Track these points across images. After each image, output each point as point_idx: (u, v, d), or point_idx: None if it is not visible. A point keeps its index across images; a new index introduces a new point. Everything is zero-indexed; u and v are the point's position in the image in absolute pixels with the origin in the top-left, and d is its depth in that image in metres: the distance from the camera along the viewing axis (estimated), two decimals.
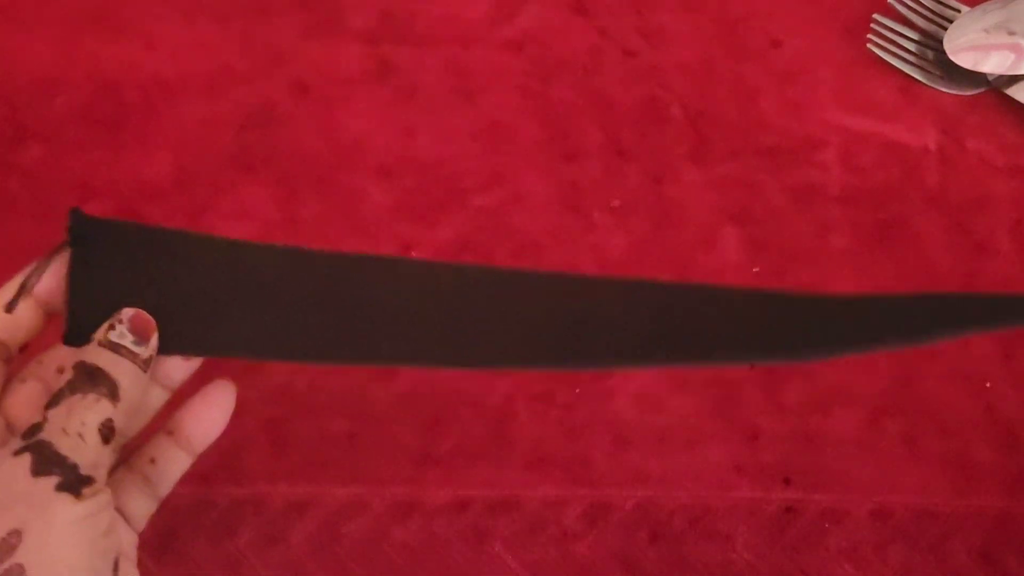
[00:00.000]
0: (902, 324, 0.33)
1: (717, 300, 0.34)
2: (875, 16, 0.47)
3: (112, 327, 0.29)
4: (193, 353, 0.31)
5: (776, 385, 0.41)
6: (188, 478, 0.39)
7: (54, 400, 0.28)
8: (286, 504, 0.39)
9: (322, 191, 0.44)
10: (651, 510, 0.39)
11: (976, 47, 0.45)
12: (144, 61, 0.46)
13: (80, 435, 0.27)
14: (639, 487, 0.40)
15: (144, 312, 0.29)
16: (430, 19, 0.47)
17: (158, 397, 0.32)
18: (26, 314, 0.30)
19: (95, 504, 0.27)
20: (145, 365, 0.29)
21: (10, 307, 0.30)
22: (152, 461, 0.31)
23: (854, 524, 0.40)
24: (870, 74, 0.47)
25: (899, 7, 0.47)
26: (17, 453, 0.26)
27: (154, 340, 0.30)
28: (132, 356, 0.29)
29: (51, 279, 0.30)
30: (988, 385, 0.42)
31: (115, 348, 0.29)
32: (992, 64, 0.45)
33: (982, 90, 0.46)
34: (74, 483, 0.26)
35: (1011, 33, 0.45)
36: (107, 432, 0.28)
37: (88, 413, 0.27)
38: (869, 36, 0.47)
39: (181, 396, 0.32)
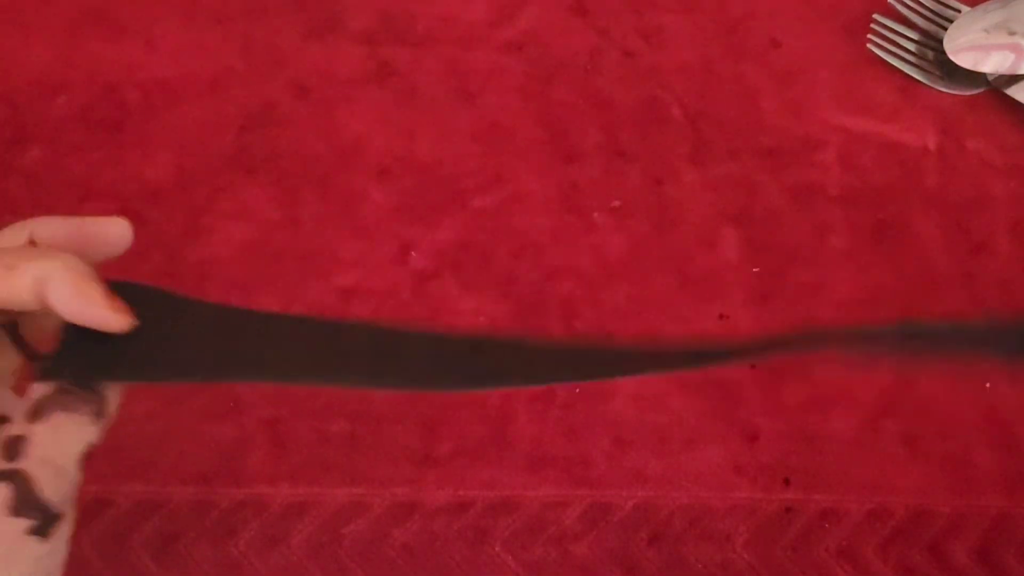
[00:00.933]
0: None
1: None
2: (875, 16, 0.47)
3: None
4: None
5: (776, 386, 0.41)
6: (189, 479, 0.39)
7: (41, 411, 0.26)
8: (286, 505, 0.39)
9: (322, 192, 0.44)
10: (651, 510, 0.40)
11: (976, 47, 0.45)
12: (144, 63, 0.46)
13: (63, 469, 0.26)
14: (639, 487, 0.40)
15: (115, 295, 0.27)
16: (430, 20, 0.47)
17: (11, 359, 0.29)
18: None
19: (59, 540, 0.26)
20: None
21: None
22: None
23: (853, 524, 0.40)
24: (870, 74, 0.47)
25: (899, 7, 0.47)
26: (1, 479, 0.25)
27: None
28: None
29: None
30: (988, 386, 0.42)
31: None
32: (992, 64, 0.45)
33: (982, 90, 0.46)
34: (45, 526, 0.26)
35: (1011, 33, 0.45)
36: (86, 458, 0.27)
37: (74, 439, 0.26)
38: (869, 36, 0.47)
39: None
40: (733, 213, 0.44)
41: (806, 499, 0.40)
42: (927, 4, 0.47)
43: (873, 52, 0.47)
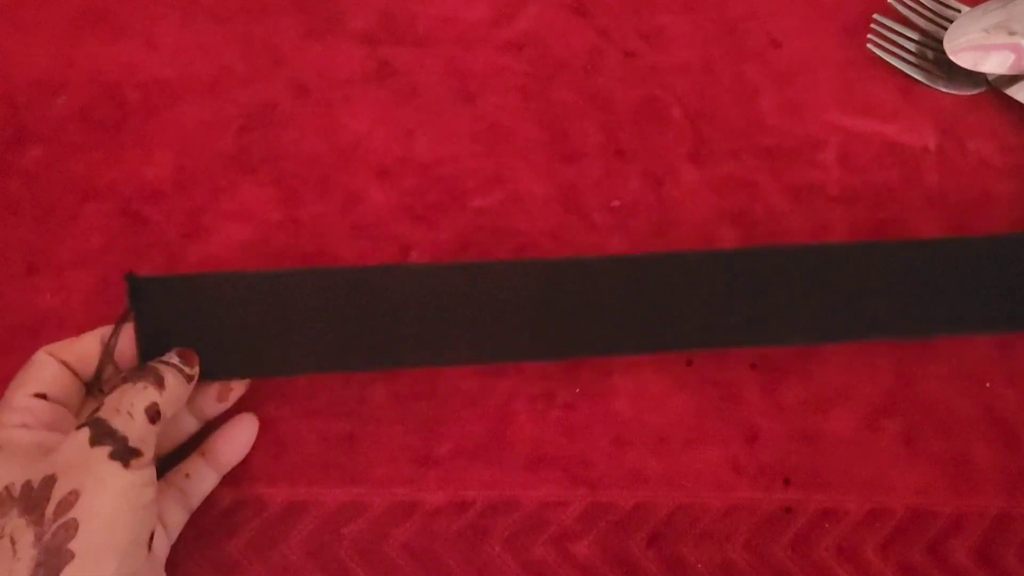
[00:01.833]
0: None
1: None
2: (875, 16, 0.47)
3: (163, 356, 0.36)
4: (233, 377, 0.38)
5: (775, 385, 0.41)
6: None
7: (111, 389, 0.34)
8: (286, 505, 0.39)
9: (322, 192, 0.44)
10: (650, 510, 0.40)
11: (976, 47, 0.45)
12: (144, 62, 0.46)
13: (130, 413, 0.33)
14: (638, 487, 0.40)
15: (188, 350, 0.37)
16: (430, 20, 0.47)
17: (191, 425, 0.38)
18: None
19: (141, 477, 0.32)
20: (188, 378, 0.36)
21: (101, 367, 0.37)
22: (187, 476, 0.37)
23: (853, 524, 0.40)
24: (870, 74, 0.47)
25: (899, 7, 0.47)
26: (80, 427, 0.32)
27: (196, 367, 0.36)
28: (178, 368, 0.36)
29: (125, 341, 0.37)
30: (987, 385, 0.42)
31: (164, 362, 0.36)
32: (992, 64, 0.45)
33: (982, 90, 0.46)
34: (124, 453, 0.32)
35: (1011, 33, 0.45)
36: (153, 414, 0.33)
37: (137, 397, 0.33)
38: (869, 36, 0.47)
39: (211, 424, 0.39)
40: (733, 213, 0.44)
41: (806, 499, 0.40)
42: (927, 4, 0.47)
43: (873, 52, 0.47)
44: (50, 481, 0.31)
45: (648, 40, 0.47)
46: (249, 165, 0.44)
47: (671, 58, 0.47)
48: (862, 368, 0.42)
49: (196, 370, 0.36)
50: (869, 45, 0.47)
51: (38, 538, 0.30)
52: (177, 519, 0.37)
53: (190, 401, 0.37)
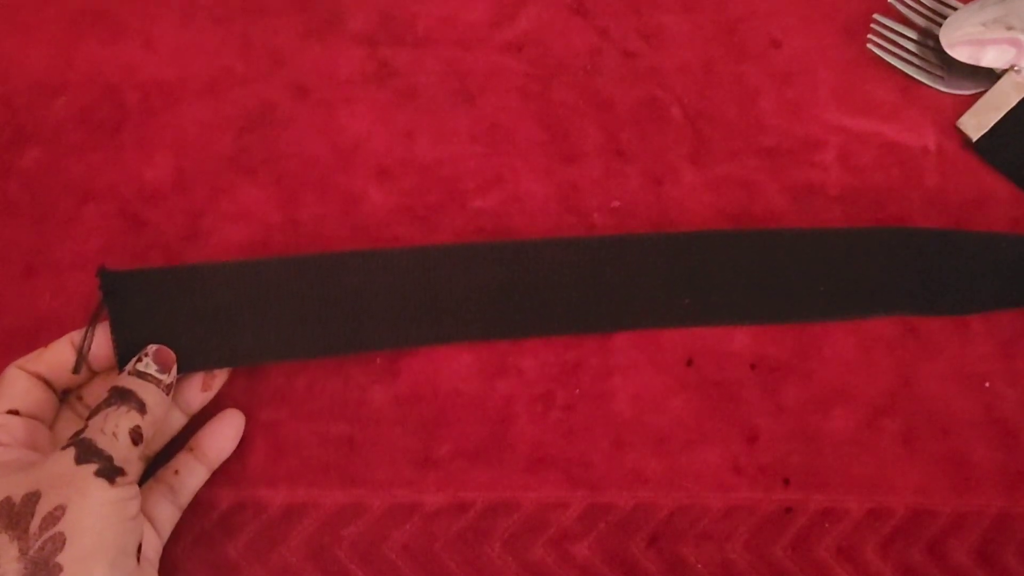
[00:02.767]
0: None
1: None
2: (875, 16, 0.47)
3: (140, 359, 0.36)
4: (213, 367, 0.39)
5: (775, 386, 0.41)
6: None
7: (93, 412, 0.34)
8: (285, 507, 0.39)
9: (322, 193, 0.44)
10: (650, 511, 0.40)
11: (973, 41, 0.45)
12: (143, 63, 0.46)
13: (114, 434, 0.33)
14: (638, 488, 0.40)
15: (165, 348, 0.37)
16: (430, 21, 0.47)
17: (178, 420, 0.39)
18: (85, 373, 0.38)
19: (125, 492, 0.33)
20: (167, 389, 0.36)
21: (76, 371, 0.37)
22: (176, 472, 0.38)
23: (853, 524, 0.40)
24: (870, 74, 0.47)
25: (899, 7, 0.47)
26: (64, 448, 0.33)
27: (174, 370, 0.37)
28: (156, 382, 0.36)
29: (101, 337, 0.37)
30: (987, 385, 0.42)
31: (142, 376, 0.36)
32: (990, 58, 0.45)
33: (982, 90, 0.46)
34: (109, 471, 0.32)
35: (1009, 28, 0.45)
36: (136, 436, 0.34)
37: (121, 419, 0.34)
38: (869, 36, 0.47)
39: (199, 422, 0.39)
40: (733, 213, 0.44)
41: (806, 499, 0.40)
42: (927, 4, 0.47)
43: (873, 52, 0.47)
44: (33, 497, 0.31)
45: (648, 40, 0.47)
46: (249, 166, 0.44)
47: (671, 58, 0.47)
48: (862, 368, 0.42)
49: (174, 373, 0.37)
50: (869, 45, 0.47)
51: (23, 552, 0.31)
52: (168, 516, 0.37)
53: (174, 395, 0.38)
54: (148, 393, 0.35)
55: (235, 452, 0.39)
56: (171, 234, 0.43)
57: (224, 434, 0.39)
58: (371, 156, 0.45)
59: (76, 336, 0.37)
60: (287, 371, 0.41)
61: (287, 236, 0.43)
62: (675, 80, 0.46)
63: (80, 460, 0.32)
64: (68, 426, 0.37)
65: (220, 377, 0.39)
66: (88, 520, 0.31)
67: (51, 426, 0.37)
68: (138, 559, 0.33)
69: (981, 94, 0.46)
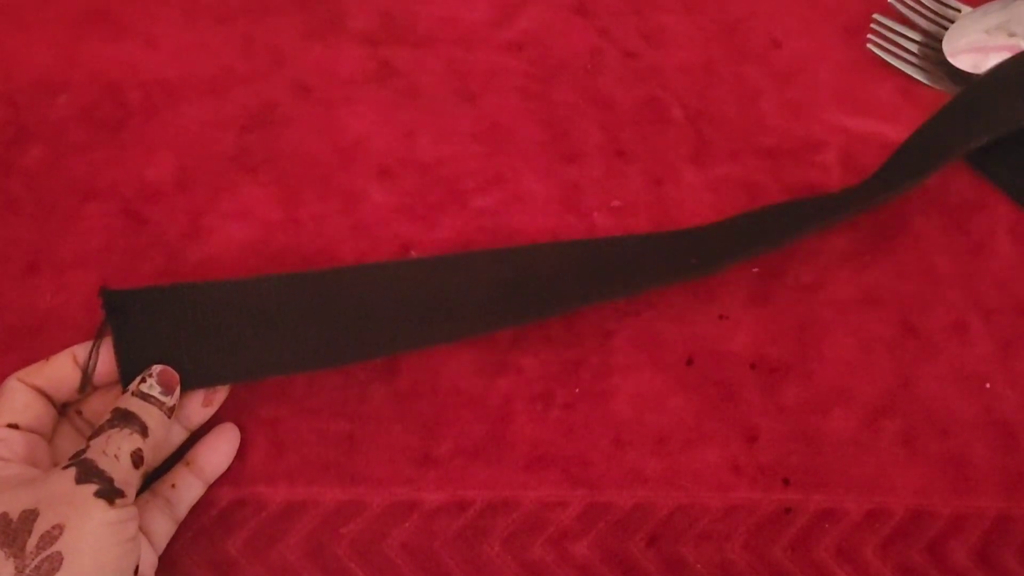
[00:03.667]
0: None
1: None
2: (875, 16, 0.47)
3: (144, 380, 0.36)
4: (215, 384, 0.39)
5: (775, 386, 0.41)
6: None
7: (96, 433, 0.34)
8: (285, 505, 0.39)
9: (323, 192, 0.44)
10: (650, 511, 0.40)
11: (976, 49, 0.45)
12: (145, 62, 0.46)
13: (116, 456, 0.33)
14: (638, 487, 0.40)
15: (169, 369, 0.37)
16: (431, 20, 0.47)
17: (179, 435, 0.39)
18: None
19: (124, 513, 0.33)
20: (170, 412, 0.36)
21: (81, 390, 0.37)
22: (173, 486, 0.38)
23: (853, 524, 0.40)
24: (870, 75, 0.47)
25: (899, 7, 0.47)
26: (65, 467, 0.33)
27: (177, 391, 0.37)
28: (159, 404, 0.36)
29: (103, 353, 0.37)
30: (987, 386, 0.42)
31: (145, 398, 0.36)
32: (991, 66, 0.45)
33: None
34: (109, 492, 0.32)
35: (1011, 35, 0.45)
36: (137, 459, 0.34)
37: (123, 441, 0.34)
38: (869, 36, 0.47)
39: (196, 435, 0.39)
40: (733, 213, 0.44)
41: (805, 499, 0.40)
42: (927, 4, 0.47)
43: (874, 52, 0.47)
44: (31, 515, 0.31)
45: (648, 40, 0.47)
46: (250, 165, 0.44)
47: (671, 58, 0.47)
48: (862, 368, 0.42)
49: (176, 395, 0.37)
50: (869, 45, 0.47)
51: (19, 570, 0.31)
52: (164, 530, 0.37)
53: (175, 412, 0.38)
54: (151, 416, 0.35)
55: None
56: (172, 233, 0.43)
57: (221, 449, 0.39)
58: (372, 155, 0.45)
59: (79, 351, 0.37)
60: None
61: (288, 235, 0.43)
62: (676, 80, 0.46)
63: (80, 480, 0.32)
64: (66, 440, 0.37)
65: (221, 393, 0.39)
66: (86, 541, 0.31)
67: (50, 440, 0.37)
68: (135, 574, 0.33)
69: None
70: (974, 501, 0.40)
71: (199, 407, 0.39)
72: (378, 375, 0.41)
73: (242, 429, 0.40)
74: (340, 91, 0.46)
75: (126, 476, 0.33)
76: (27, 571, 0.31)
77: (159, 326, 0.38)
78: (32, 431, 0.35)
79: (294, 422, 0.40)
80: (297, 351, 0.39)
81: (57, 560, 0.31)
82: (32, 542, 0.31)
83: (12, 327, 0.41)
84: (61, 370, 0.36)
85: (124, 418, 0.35)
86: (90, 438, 0.34)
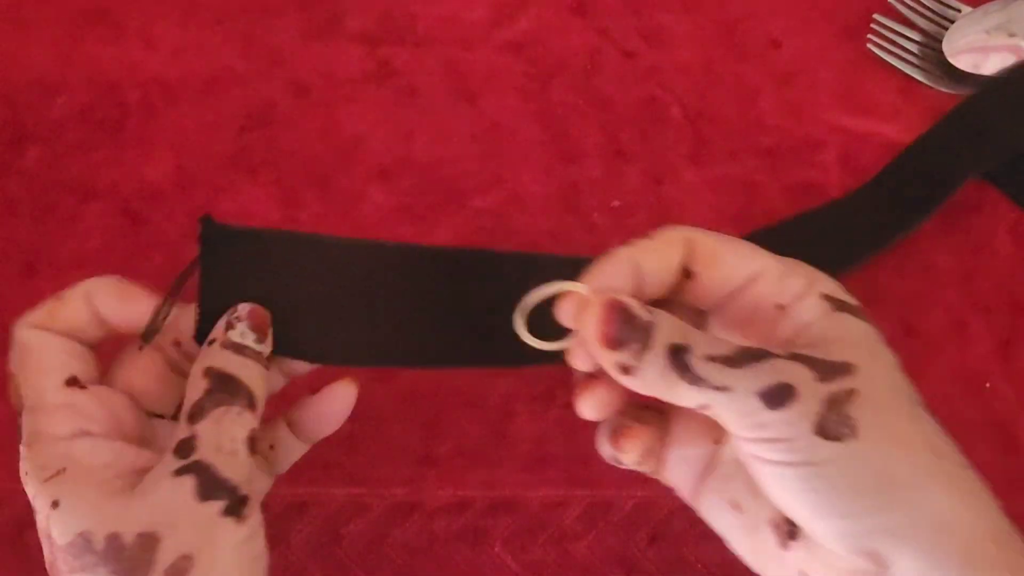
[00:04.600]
0: None
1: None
2: (875, 16, 0.47)
3: (231, 325, 0.29)
4: (306, 359, 0.32)
5: None
6: None
7: (197, 411, 0.28)
8: (286, 505, 0.39)
9: (322, 192, 0.44)
10: (650, 510, 0.39)
11: (976, 49, 0.45)
12: (144, 62, 0.46)
13: (233, 452, 0.27)
14: (638, 487, 0.40)
15: (258, 307, 0.30)
16: (430, 20, 0.47)
17: (278, 382, 0.32)
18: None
19: (253, 524, 0.28)
20: (268, 363, 0.30)
21: (147, 339, 0.30)
22: (272, 447, 0.32)
23: None
24: (870, 74, 0.47)
25: (900, 7, 0.47)
26: (178, 474, 0.27)
27: (270, 336, 0.30)
28: (256, 356, 0.29)
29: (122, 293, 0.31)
30: (988, 386, 0.42)
31: (240, 350, 0.29)
32: (992, 66, 0.45)
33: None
34: (236, 506, 0.27)
35: (1011, 35, 0.45)
36: (252, 443, 0.28)
37: (235, 426, 0.28)
38: (869, 36, 0.47)
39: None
40: (733, 213, 0.44)
41: None
42: (928, 4, 0.47)
43: (873, 52, 0.47)
44: (150, 540, 0.26)
45: (648, 40, 0.47)
46: (249, 165, 0.44)
47: (671, 58, 0.47)
48: None
49: (270, 340, 0.30)
50: (869, 45, 0.47)
51: None
52: (261, 489, 0.32)
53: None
54: (253, 377, 0.29)
55: None
56: (172, 233, 0.43)
57: (332, 412, 0.33)
58: (371, 155, 0.45)
59: (88, 287, 0.30)
60: None
61: None
62: (675, 80, 0.46)
63: (203, 496, 0.26)
64: (138, 367, 0.31)
65: None
66: (218, 571, 0.26)
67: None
68: None
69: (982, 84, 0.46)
70: None
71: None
72: (378, 375, 0.41)
73: None
74: (339, 91, 0.46)
75: (247, 472, 0.28)
76: None
77: (255, 274, 0.31)
78: (96, 384, 0.29)
79: None
80: (400, 344, 0.32)
81: None
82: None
83: (10, 327, 0.41)
84: (77, 314, 0.30)
85: (226, 387, 0.28)
86: (191, 417, 0.28)
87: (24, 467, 0.28)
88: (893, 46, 0.47)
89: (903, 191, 0.43)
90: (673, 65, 0.47)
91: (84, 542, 0.26)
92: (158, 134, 0.45)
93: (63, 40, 0.46)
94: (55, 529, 0.26)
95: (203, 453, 0.27)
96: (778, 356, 0.25)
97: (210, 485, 0.27)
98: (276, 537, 0.39)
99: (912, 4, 0.47)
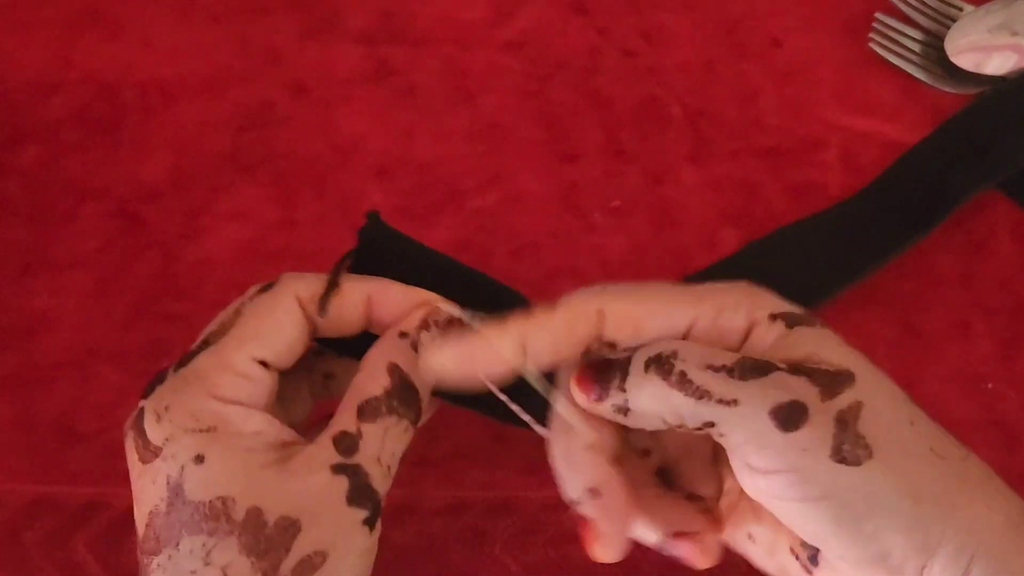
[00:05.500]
0: None
1: None
2: (877, 15, 0.47)
3: (427, 327, 0.29)
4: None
5: None
6: None
7: (371, 410, 0.27)
8: None
9: (320, 192, 0.44)
10: None
11: (978, 48, 0.45)
12: (141, 62, 0.46)
13: (390, 467, 0.28)
14: None
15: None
16: (428, 20, 0.47)
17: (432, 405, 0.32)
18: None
19: (377, 534, 0.28)
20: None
21: (322, 311, 0.29)
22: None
23: None
24: (871, 73, 0.46)
25: (901, 6, 0.47)
26: (336, 472, 0.26)
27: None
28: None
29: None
30: (989, 386, 0.41)
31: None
32: (994, 66, 0.45)
33: (983, 89, 0.46)
34: (374, 517, 0.27)
35: (1014, 33, 0.45)
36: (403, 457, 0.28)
37: (398, 442, 0.28)
38: (871, 35, 0.47)
39: None
40: (733, 213, 0.44)
41: None
42: (929, 3, 0.47)
43: (875, 51, 0.47)
44: (292, 526, 0.25)
45: (648, 39, 0.47)
46: (246, 165, 0.44)
47: (671, 57, 0.47)
48: None
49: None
50: (871, 44, 0.47)
51: None
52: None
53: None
54: (426, 390, 0.29)
55: None
56: (169, 233, 0.43)
57: None
58: (370, 155, 0.44)
59: (379, 287, 0.30)
60: None
61: (285, 235, 0.43)
62: (675, 79, 0.46)
63: (353, 501, 0.26)
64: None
65: None
66: (343, 572, 0.26)
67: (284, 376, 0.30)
68: None
69: (982, 94, 0.46)
70: None
71: None
72: None
73: None
74: (337, 91, 0.46)
75: (389, 486, 0.28)
76: None
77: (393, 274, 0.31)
78: (279, 368, 0.29)
79: None
80: None
81: None
82: (288, 564, 0.25)
83: (8, 327, 0.41)
84: (352, 310, 0.30)
85: (405, 396, 0.28)
86: (361, 410, 0.27)
87: (163, 403, 0.27)
88: (895, 45, 0.47)
89: (905, 207, 0.43)
90: (673, 64, 0.47)
91: (223, 506, 0.25)
92: (155, 134, 0.44)
93: (60, 40, 0.46)
94: (192, 483, 0.26)
95: (364, 459, 0.27)
96: (782, 369, 0.25)
97: (362, 493, 0.27)
98: None
99: (914, 3, 0.47)
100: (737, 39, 0.47)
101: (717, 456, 0.30)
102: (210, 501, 0.25)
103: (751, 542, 0.28)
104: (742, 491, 0.26)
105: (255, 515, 0.25)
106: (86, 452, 0.38)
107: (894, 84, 0.46)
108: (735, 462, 0.25)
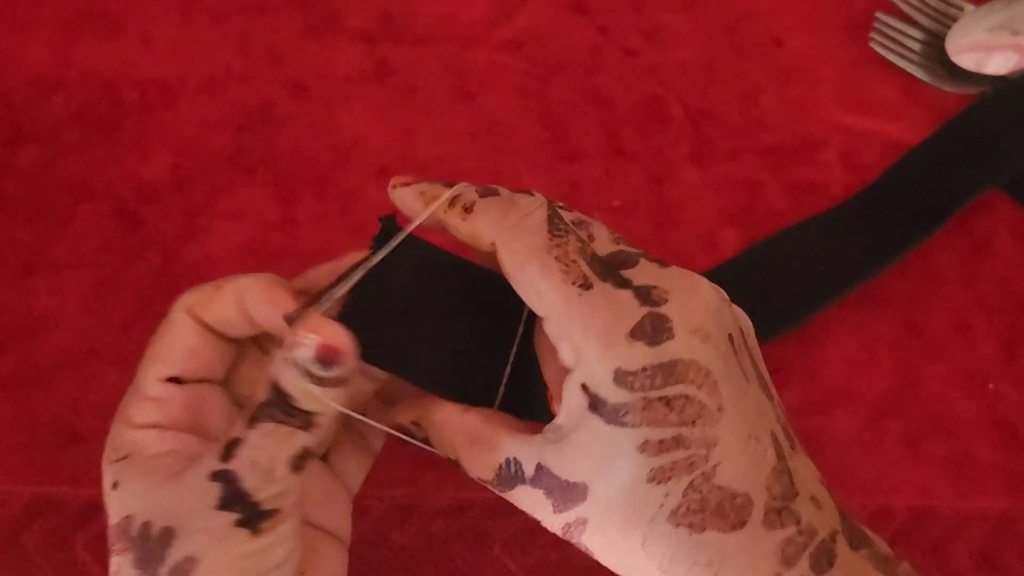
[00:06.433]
0: None
1: None
2: (878, 15, 0.47)
3: (298, 345, 0.27)
4: (415, 382, 0.30)
5: (777, 386, 0.41)
6: None
7: (253, 417, 0.27)
8: None
9: (320, 191, 0.44)
10: None
11: (979, 47, 0.45)
12: (141, 61, 0.46)
13: (269, 470, 0.27)
14: None
15: (337, 342, 0.26)
16: (429, 19, 0.47)
17: (366, 388, 0.32)
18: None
19: (273, 537, 0.27)
20: (339, 383, 0.27)
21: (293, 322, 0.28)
22: (362, 435, 0.33)
23: None
24: (872, 73, 0.46)
25: (902, 6, 0.47)
26: (212, 479, 0.27)
27: (349, 363, 0.27)
28: (320, 381, 0.27)
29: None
30: (990, 386, 0.41)
31: (305, 372, 0.26)
32: (995, 65, 0.45)
33: (984, 89, 0.46)
34: (253, 519, 0.27)
35: (1015, 33, 0.45)
36: (300, 462, 0.27)
37: (281, 446, 0.27)
38: (872, 35, 0.47)
39: None
40: (734, 212, 0.44)
41: None
42: (930, 3, 0.47)
43: (876, 51, 0.47)
44: (168, 535, 0.26)
45: (648, 38, 0.47)
46: (247, 165, 0.44)
47: (672, 56, 0.47)
48: (864, 369, 0.42)
49: (349, 366, 0.27)
50: (872, 44, 0.47)
51: None
52: (359, 466, 0.33)
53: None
54: (313, 399, 0.27)
55: None
56: (169, 233, 0.42)
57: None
58: (370, 154, 0.44)
59: (247, 285, 0.29)
60: None
61: (285, 235, 0.43)
62: (676, 78, 0.46)
63: (222, 505, 0.26)
64: (254, 367, 0.31)
65: None
66: None
67: (224, 381, 0.31)
68: None
69: (983, 94, 0.46)
70: (977, 502, 0.40)
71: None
72: None
73: None
74: (338, 90, 0.45)
75: (281, 489, 0.27)
76: None
77: (405, 287, 0.30)
78: (199, 381, 0.29)
79: None
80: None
81: None
82: (163, 572, 0.26)
83: (7, 328, 0.41)
84: (227, 311, 0.29)
85: (281, 404, 0.27)
86: (250, 418, 0.27)
87: (107, 444, 0.29)
88: (895, 44, 0.47)
89: (907, 209, 0.43)
90: (674, 63, 0.47)
91: (126, 524, 0.27)
92: (155, 133, 0.44)
93: (60, 39, 0.46)
94: (110, 508, 0.28)
95: (237, 464, 0.27)
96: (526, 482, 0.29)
97: (232, 497, 0.27)
98: None
99: (915, 2, 0.47)
100: (738, 38, 0.47)
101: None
102: (117, 522, 0.27)
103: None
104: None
105: (145, 529, 0.26)
106: (86, 452, 0.38)
107: (895, 84, 0.46)
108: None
